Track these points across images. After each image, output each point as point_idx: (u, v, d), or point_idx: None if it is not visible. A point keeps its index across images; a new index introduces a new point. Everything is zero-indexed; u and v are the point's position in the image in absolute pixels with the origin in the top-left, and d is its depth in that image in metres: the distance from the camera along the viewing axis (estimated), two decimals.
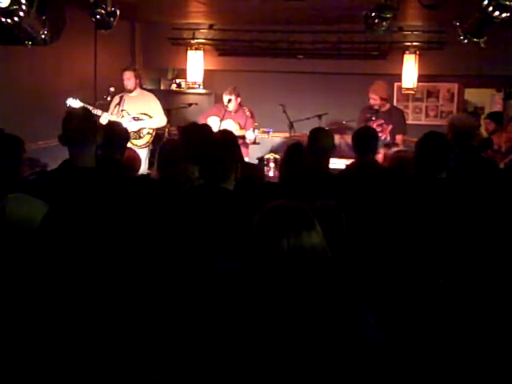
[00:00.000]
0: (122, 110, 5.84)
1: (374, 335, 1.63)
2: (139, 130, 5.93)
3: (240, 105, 6.22)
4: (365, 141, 3.94)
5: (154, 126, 6.02)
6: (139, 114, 5.94)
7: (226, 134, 4.25)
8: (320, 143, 3.81)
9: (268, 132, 5.93)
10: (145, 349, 2.07)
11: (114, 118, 5.69)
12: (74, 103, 5.53)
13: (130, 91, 5.95)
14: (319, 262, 1.67)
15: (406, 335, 2.34)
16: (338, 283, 1.71)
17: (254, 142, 6.04)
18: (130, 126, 5.81)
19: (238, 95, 6.11)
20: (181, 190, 3.08)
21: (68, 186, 2.67)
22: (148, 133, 5.97)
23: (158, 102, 6.11)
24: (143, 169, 5.35)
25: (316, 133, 3.94)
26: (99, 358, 1.94)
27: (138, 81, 6.00)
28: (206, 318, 1.87)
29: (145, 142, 5.96)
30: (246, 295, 1.69)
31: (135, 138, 5.88)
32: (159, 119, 6.04)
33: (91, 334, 1.99)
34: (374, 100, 5.97)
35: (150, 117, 5.97)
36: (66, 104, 5.48)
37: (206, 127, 4.33)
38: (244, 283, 1.73)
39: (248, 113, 6.22)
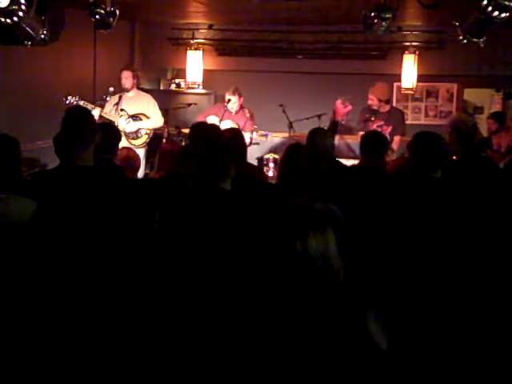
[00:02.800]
0: (121, 110, 5.85)
1: (380, 338, 1.63)
2: (137, 130, 5.94)
3: (241, 106, 6.21)
4: (373, 144, 3.93)
5: (152, 127, 6.03)
6: (137, 114, 5.95)
7: (228, 132, 4.22)
8: (319, 143, 3.81)
9: (266, 135, 5.98)
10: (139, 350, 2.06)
11: (112, 118, 5.71)
12: (74, 101, 5.54)
13: (128, 91, 5.96)
14: (331, 265, 1.66)
15: (406, 337, 2.33)
16: (348, 286, 1.70)
17: (250, 144, 6.05)
18: (129, 126, 5.83)
19: (239, 96, 6.11)
20: (179, 190, 3.07)
21: (70, 185, 2.66)
22: (145, 133, 5.98)
23: (156, 103, 6.12)
24: (141, 169, 5.36)
25: (315, 133, 3.94)
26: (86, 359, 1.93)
27: (135, 81, 6.03)
28: (209, 321, 1.86)
29: (142, 141, 5.98)
30: (254, 296, 1.67)
31: (133, 138, 5.91)
32: (156, 120, 6.05)
33: (83, 334, 1.98)
34: (372, 100, 6.04)
35: (148, 117, 5.99)
36: (65, 101, 5.48)
37: (211, 126, 4.30)
38: (251, 284, 1.71)
39: (248, 114, 6.22)
